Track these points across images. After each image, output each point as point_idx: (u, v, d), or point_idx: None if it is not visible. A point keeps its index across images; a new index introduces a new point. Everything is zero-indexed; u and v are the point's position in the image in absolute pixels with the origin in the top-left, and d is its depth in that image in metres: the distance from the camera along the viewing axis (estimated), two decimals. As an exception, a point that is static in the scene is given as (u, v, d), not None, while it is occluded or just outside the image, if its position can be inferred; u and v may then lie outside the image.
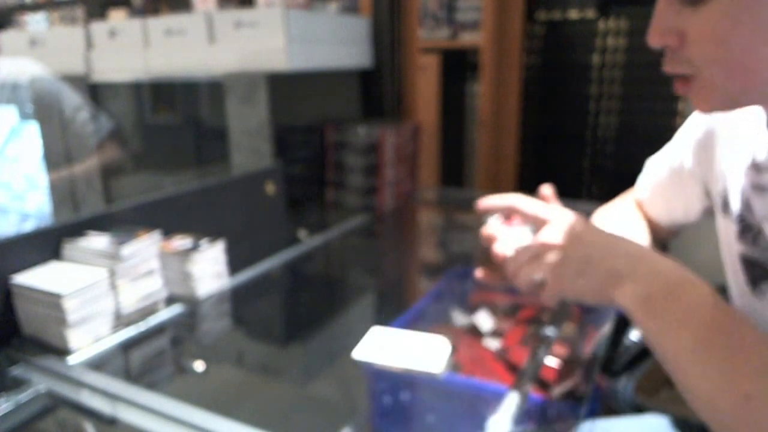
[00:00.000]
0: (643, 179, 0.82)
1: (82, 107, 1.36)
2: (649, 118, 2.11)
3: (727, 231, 0.63)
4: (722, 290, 0.87)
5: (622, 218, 0.81)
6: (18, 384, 0.66)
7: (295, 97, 1.27)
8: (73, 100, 1.35)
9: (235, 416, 0.57)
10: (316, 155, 1.36)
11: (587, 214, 0.83)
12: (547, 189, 0.61)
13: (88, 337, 0.73)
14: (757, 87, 0.47)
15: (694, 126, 0.70)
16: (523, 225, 0.59)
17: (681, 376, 0.46)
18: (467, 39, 2.37)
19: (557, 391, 0.60)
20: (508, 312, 0.76)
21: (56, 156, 1.38)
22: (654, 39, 0.49)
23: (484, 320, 0.74)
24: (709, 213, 0.72)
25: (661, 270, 0.49)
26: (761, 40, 0.44)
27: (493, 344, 0.70)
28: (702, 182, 0.71)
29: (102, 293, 0.74)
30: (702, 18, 0.45)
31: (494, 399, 0.59)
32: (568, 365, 0.64)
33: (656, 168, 0.79)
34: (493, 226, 0.60)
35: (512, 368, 0.65)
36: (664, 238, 0.82)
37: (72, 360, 0.70)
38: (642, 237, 0.77)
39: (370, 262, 1.17)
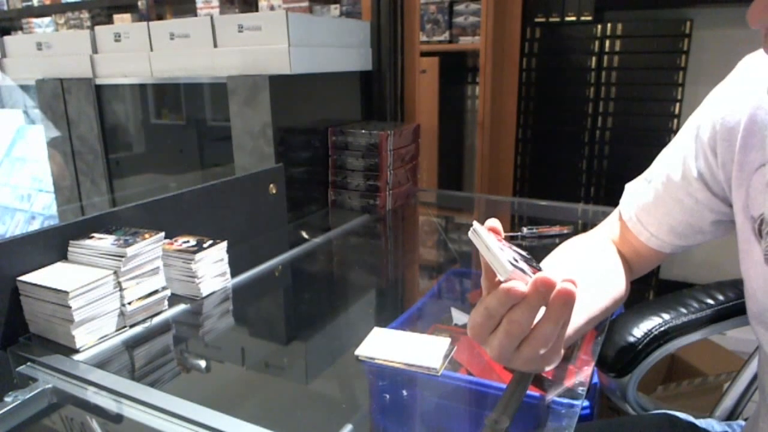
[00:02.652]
0: (626, 205, 0.75)
1: (27, 111, 1.37)
2: (647, 120, 2.12)
3: (761, 259, 0.57)
4: (721, 289, 0.88)
5: (591, 259, 0.72)
6: (25, 381, 0.67)
7: (298, 99, 1.28)
8: (21, 103, 1.36)
9: (239, 413, 0.58)
10: (318, 157, 1.38)
11: (585, 215, 0.83)
12: (493, 221, 0.53)
13: (94, 335, 0.74)
14: None
15: (699, 129, 0.65)
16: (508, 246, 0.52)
17: None
18: (466, 42, 2.39)
19: (556, 389, 0.61)
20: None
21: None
22: (760, 18, 0.43)
23: (483, 319, 0.75)
24: (728, 226, 0.65)
25: None
26: None
27: (492, 343, 0.71)
28: (720, 187, 0.63)
29: (107, 292, 0.75)
30: None
31: (493, 396, 0.60)
32: (567, 364, 0.65)
33: (645, 187, 0.72)
34: (480, 233, 0.51)
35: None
36: (655, 264, 0.76)
37: (78, 358, 0.71)
38: (616, 278, 0.71)
39: (371, 262, 1.18)
